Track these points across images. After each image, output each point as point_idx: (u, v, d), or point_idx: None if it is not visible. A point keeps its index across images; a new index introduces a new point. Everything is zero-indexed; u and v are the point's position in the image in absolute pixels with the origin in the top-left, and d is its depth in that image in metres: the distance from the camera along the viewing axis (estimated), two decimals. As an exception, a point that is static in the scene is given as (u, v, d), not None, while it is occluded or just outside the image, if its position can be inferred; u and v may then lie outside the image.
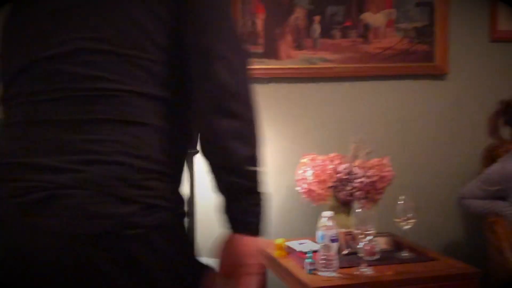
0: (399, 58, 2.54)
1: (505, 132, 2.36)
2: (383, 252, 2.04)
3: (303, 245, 2.12)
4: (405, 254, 2.06)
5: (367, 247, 1.94)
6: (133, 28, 1.04)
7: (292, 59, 2.45)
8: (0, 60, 1.14)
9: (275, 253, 2.10)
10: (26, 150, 1.02)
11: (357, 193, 2.09)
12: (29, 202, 0.98)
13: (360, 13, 2.50)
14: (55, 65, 1.04)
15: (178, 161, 1.10)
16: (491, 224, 2.28)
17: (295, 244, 2.14)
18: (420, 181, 2.61)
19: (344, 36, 2.49)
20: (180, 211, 1.08)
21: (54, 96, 1.03)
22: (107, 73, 1.03)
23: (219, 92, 1.02)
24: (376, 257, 1.98)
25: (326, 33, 2.47)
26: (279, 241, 2.11)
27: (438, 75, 2.61)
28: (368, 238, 1.89)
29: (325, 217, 1.93)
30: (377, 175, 2.13)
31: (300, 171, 2.19)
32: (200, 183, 2.03)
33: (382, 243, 2.09)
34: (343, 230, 2.05)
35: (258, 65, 2.41)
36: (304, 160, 2.21)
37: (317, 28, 2.46)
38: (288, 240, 2.17)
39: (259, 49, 2.41)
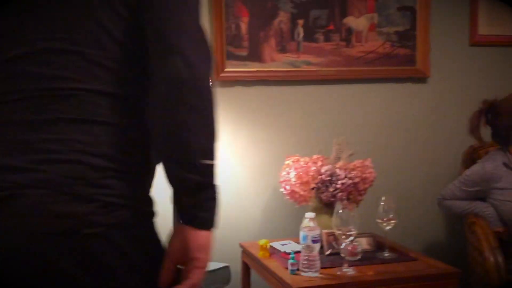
0: (381, 62, 2.58)
1: (484, 132, 2.38)
2: (365, 252, 2.06)
3: (286, 245, 2.14)
4: (386, 254, 2.08)
5: (349, 248, 1.96)
6: (92, 26, 1.03)
7: (275, 62, 2.47)
8: None
9: (259, 254, 2.11)
10: None
11: (340, 194, 2.11)
12: None
13: (342, 17, 2.53)
14: (15, 66, 1.05)
15: (141, 159, 1.09)
16: (470, 224, 2.31)
17: (278, 245, 2.16)
18: (402, 182, 2.65)
19: (327, 39, 2.52)
20: (144, 209, 1.07)
21: (14, 97, 1.04)
22: (66, 72, 1.03)
23: (175, 85, 1.01)
24: (358, 257, 2.00)
25: (309, 36, 2.49)
26: (262, 241, 2.12)
27: (419, 78, 2.65)
28: (350, 238, 1.92)
29: (307, 218, 1.94)
30: (359, 176, 2.15)
31: (284, 173, 2.21)
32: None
33: (364, 243, 2.12)
34: (326, 230, 2.07)
35: (242, 68, 2.43)
36: (288, 161, 2.23)
37: (300, 31, 2.49)
38: (272, 241, 2.19)
39: (243, 52, 2.43)
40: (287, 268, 1.92)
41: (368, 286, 1.89)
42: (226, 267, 2.10)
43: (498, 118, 2.33)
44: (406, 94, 2.66)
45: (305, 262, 1.88)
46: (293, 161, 2.21)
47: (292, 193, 2.17)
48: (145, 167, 1.10)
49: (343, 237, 1.91)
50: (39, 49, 1.04)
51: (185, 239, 1.05)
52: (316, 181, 2.15)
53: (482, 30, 2.71)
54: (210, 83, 1.06)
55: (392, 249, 2.12)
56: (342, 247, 1.94)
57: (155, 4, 1.04)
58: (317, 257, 1.89)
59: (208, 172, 1.05)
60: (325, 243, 2.08)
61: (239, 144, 2.48)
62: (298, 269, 1.90)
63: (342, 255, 1.95)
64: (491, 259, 2.14)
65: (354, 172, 2.15)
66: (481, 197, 2.35)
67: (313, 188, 2.16)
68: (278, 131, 2.51)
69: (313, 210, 2.12)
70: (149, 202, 1.10)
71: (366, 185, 2.19)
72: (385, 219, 2.07)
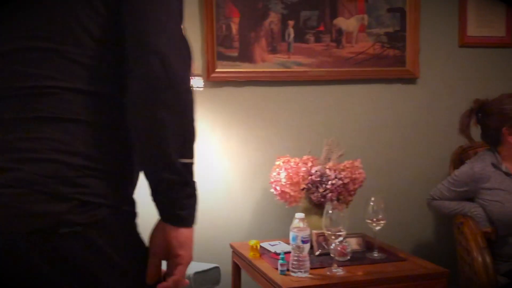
0: (371, 63, 2.59)
1: (474, 132, 2.40)
2: (354, 252, 2.08)
3: (276, 246, 2.15)
4: (375, 254, 2.10)
5: (339, 248, 1.97)
6: (70, 24, 1.03)
7: (266, 63, 2.47)
8: None
9: (249, 254, 2.12)
10: None
11: (330, 194, 2.12)
12: None
13: (333, 18, 2.54)
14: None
15: (121, 158, 1.08)
16: (459, 224, 2.32)
17: (268, 245, 2.17)
18: (391, 183, 2.66)
19: (317, 40, 2.53)
20: (123, 208, 1.06)
21: None
22: (43, 70, 1.03)
23: (152, 85, 1.01)
24: (348, 257, 2.02)
25: (300, 37, 2.50)
26: (253, 242, 2.12)
27: (409, 79, 2.66)
28: (340, 239, 1.93)
29: (297, 218, 1.95)
30: (349, 177, 2.16)
31: (274, 173, 2.22)
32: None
33: (353, 243, 2.13)
34: (316, 231, 2.09)
35: (232, 69, 2.44)
36: (278, 162, 2.24)
37: (291, 32, 2.49)
38: (262, 241, 2.19)
39: (234, 53, 2.43)
40: (277, 268, 1.93)
41: (357, 286, 1.91)
42: (216, 268, 2.10)
43: (488, 119, 2.35)
44: (395, 95, 2.67)
45: (295, 262, 1.89)
46: (283, 162, 2.21)
47: (283, 193, 2.18)
48: (126, 166, 1.09)
49: (333, 237, 1.93)
50: (20, 48, 1.04)
51: (166, 237, 1.06)
52: (306, 181, 2.16)
53: (471, 32, 2.73)
54: (190, 83, 1.06)
55: (381, 249, 2.14)
56: (332, 247, 1.95)
57: (134, 3, 1.03)
58: (307, 258, 1.90)
59: (186, 170, 1.05)
60: (315, 244, 2.09)
61: (230, 144, 2.48)
62: (288, 270, 1.91)
63: (332, 255, 1.96)
64: (479, 259, 2.15)
65: (344, 173, 2.16)
66: (470, 197, 2.36)
67: (303, 189, 2.17)
68: (269, 131, 2.52)
69: (303, 210, 2.13)
70: (129, 201, 1.09)
71: (356, 186, 2.20)
72: (374, 219, 2.09)
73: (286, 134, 2.53)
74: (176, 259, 1.08)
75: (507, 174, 2.30)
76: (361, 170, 2.21)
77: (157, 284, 1.08)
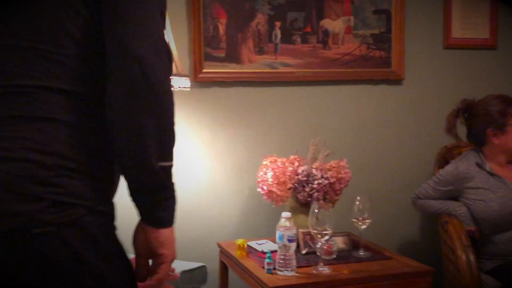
0: (357, 64, 2.62)
1: (461, 132, 2.43)
2: (340, 251, 2.10)
3: (263, 245, 2.16)
4: (361, 253, 2.12)
5: (325, 247, 1.99)
6: (49, 23, 1.03)
7: (253, 64, 2.49)
8: None
9: (236, 253, 2.13)
10: None
11: (316, 194, 2.14)
12: None
13: (319, 19, 2.56)
14: None
15: (97, 158, 1.07)
16: (443, 223, 2.35)
17: (255, 244, 2.17)
18: (377, 182, 2.68)
19: (304, 41, 2.54)
20: (100, 209, 1.04)
21: None
22: (19, 68, 1.02)
23: (132, 91, 1.01)
24: (334, 256, 2.03)
25: (286, 38, 2.52)
26: (240, 241, 2.13)
27: (394, 80, 2.69)
28: (326, 238, 1.94)
29: (283, 217, 1.96)
30: (335, 176, 2.18)
31: (261, 173, 2.23)
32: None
33: (339, 242, 2.15)
34: (303, 230, 2.10)
35: (220, 69, 2.45)
36: (265, 162, 2.25)
37: (278, 33, 2.51)
38: (249, 240, 2.20)
39: (221, 53, 2.44)
40: (263, 267, 1.94)
41: (343, 284, 1.92)
42: (203, 267, 2.11)
43: (474, 119, 2.38)
44: (381, 96, 2.70)
45: (281, 261, 1.90)
46: (270, 162, 2.22)
47: (269, 193, 2.19)
48: (104, 167, 1.09)
49: (319, 236, 1.94)
50: (1, 46, 1.04)
51: (147, 238, 1.08)
52: (293, 181, 2.17)
53: (456, 33, 2.76)
54: (170, 87, 1.06)
55: (367, 248, 2.15)
56: (318, 246, 1.97)
57: (114, 3, 1.03)
58: (293, 256, 1.92)
59: (165, 174, 1.06)
60: (301, 242, 2.11)
61: (217, 144, 2.49)
62: (274, 268, 1.92)
63: (318, 254, 1.97)
64: (463, 257, 2.17)
65: (330, 173, 2.17)
66: (455, 196, 2.39)
67: (290, 188, 2.18)
68: (256, 131, 2.53)
69: (290, 210, 2.14)
70: (106, 202, 1.08)
71: (342, 185, 2.21)
72: (360, 218, 2.11)
73: (273, 134, 2.55)
74: (158, 258, 1.09)
75: (491, 173, 2.32)
76: (347, 170, 2.23)
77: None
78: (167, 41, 1.09)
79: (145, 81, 1.01)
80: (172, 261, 1.11)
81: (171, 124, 1.06)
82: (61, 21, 1.03)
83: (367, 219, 2.11)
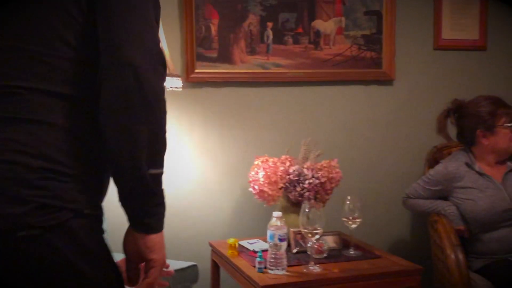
0: (349, 64, 2.63)
1: (451, 131, 2.45)
2: (331, 250, 2.11)
3: (255, 244, 2.17)
4: (351, 252, 2.13)
5: (316, 246, 2.00)
6: (42, 25, 1.02)
7: (245, 64, 2.50)
8: None
9: (228, 252, 2.14)
10: None
11: (307, 193, 2.15)
12: None
13: (311, 20, 2.58)
14: None
15: (87, 162, 1.06)
16: (433, 222, 2.37)
17: (246, 244, 2.18)
18: (367, 182, 2.70)
19: (296, 42, 2.56)
20: (86, 212, 1.03)
21: None
22: (8, 69, 1.02)
23: (126, 98, 1.01)
24: (324, 255, 2.05)
25: (278, 39, 2.53)
26: (231, 240, 2.15)
27: (385, 80, 2.71)
28: (316, 237, 1.96)
29: (274, 217, 1.97)
30: (326, 176, 2.19)
31: (252, 173, 2.24)
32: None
33: (330, 241, 2.16)
34: (294, 229, 2.12)
35: (212, 69, 2.46)
36: (257, 162, 2.26)
37: (270, 34, 2.52)
38: (240, 240, 2.21)
39: (213, 54, 2.45)
40: (254, 266, 1.95)
41: (333, 283, 1.93)
42: (194, 266, 2.12)
43: (464, 120, 2.40)
44: (372, 96, 2.71)
45: (272, 260, 1.91)
46: (262, 161, 2.23)
47: (261, 192, 2.20)
48: (92, 170, 1.08)
49: (310, 235, 1.96)
50: None
51: (136, 243, 1.09)
52: (284, 181, 2.18)
53: (446, 35, 2.79)
54: (163, 95, 1.06)
55: (357, 247, 2.17)
56: (309, 245, 1.98)
57: (109, 10, 1.03)
58: (284, 255, 1.93)
59: (155, 181, 1.06)
60: (292, 242, 2.12)
61: (209, 144, 2.50)
62: (265, 267, 1.93)
63: (309, 253, 1.99)
64: (452, 256, 2.20)
65: (321, 172, 2.19)
66: (444, 196, 2.41)
67: (281, 188, 2.19)
68: (248, 131, 2.54)
69: (281, 209, 2.16)
70: (94, 205, 1.07)
71: (333, 185, 2.23)
72: (350, 217, 2.12)
73: (265, 134, 2.56)
74: (148, 263, 1.10)
75: (480, 173, 2.35)
76: (338, 170, 2.25)
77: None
78: (162, 48, 1.10)
79: (139, 89, 1.01)
80: (162, 265, 1.12)
81: (163, 131, 1.07)
82: (55, 24, 1.02)
83: (358, 218, 2.12)
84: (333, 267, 1.99)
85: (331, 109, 2.66)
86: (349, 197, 2.13)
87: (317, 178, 2.18)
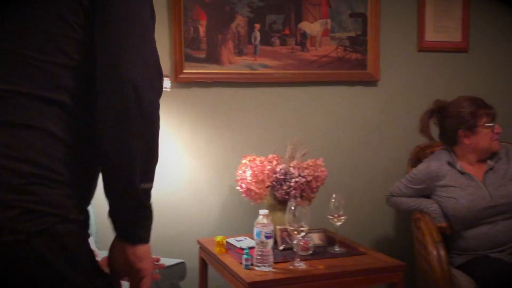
0: (334, 66, 2.67)
1: (434, 131, 2.49)
2: (316, 247, 2.15)
3: (242, 241, 2.20)
4: (337, 249, 2.17)
5: (302, 243, 2.04)
6: (37, 30, 1.02)
7: (233, 65, 2.53)
8: None
9: (215, 250, 2.16)
10: None
11: (293, 192, 2.19)
12: None
13: (298, 22, 2.61)
14: None
15: (75, 168, 1.05)
16: (416, 220, 2.41)
17: (234, 241, 2.21)
18: (352, 180, 2.74)
19: (283, 43, 2.59)
20: (72, 217, 1.02)
21: None
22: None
23: (125, 116, 1.01)
24: (310, 252, 2.08)
25: (266, 40, 2.56)
26: (219, 238, 2.17)
27: (370, 81, 2.75)
28: (302, 234, 1.99)
29: (261, 215, 2.00)
30: (311, 175, 2.22)
31: (240, 172, 2.27)
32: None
33: (315, 238, 2.20)
34: (280, 227, 2.15)
35: (200, 70, 2.48)
36: (244, 161, 2.29)
37: (257, 35, 2.55)
38: (228, 237, 2.24)
39: (202, 54, 2.48)
40: (241, 263, 1.98)
41: (318, 279, 1.97)
42: (182, 263, 2.14)
43: (446, 120, 2.45)
44: (357, 97, 2.75)
45: (259, 257, 1.94)
46: (249, 160, 2.25)
47: (248, 191, 2.22)
48: (81, 176, 1.07)
49: (296, 232, 1.98)
50: None
51: (125, 254, 1.09)
52: (271, 179, 2.21)
53: (429, 37, 2.83)
54: (158, 110, 1.08)
55: (342, 244, 2.21)
56: (295, 242, 2.02)
57: (108, 23, 1.03)
58: (270, 252, 1.95)
59: (147, 195, 1.08)
60: (279, 239, 2.15)
61: (197, 143, 2.52)
62: (252, 264, 1.96)
63: (295, 250, 2.02)
64: (434, 252, 2.24)
65: (307, 171, 2.22)
66: (427, 194, 2.45)
67: (268, 186, 2.22)
68: (235, 131, 2.57)
69: (268, 207, 2.19)
70: (80, 211, 1.06)
71: (318, 183, 2.26)
72: (336, 215, 2.16)
73: (252, 133, 2.59)
74: (139, 273, 1.11)
75: (461, 172, 2.39)
76: (323, 169, 2.28)
77: None
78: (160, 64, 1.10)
79: (137, 105, 1.01)
80: (151, 274, 1.13)
81: (157, 147, 1.08)
82: (50, 30, 1.02)
83: (342, 216, 2.16)
84: (318, 264, 2.03)
85: (317, 109, 2.69)
86: (334, 195, 2.17)
87: (303, 176, 2.21)
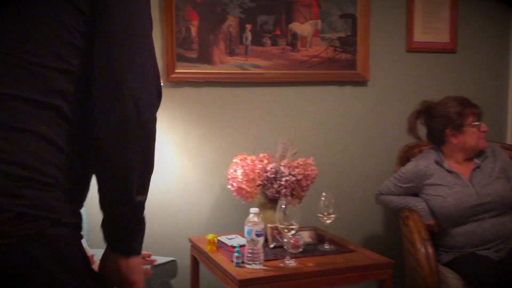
0: (325, 66, 2.70)
1: (421, 131, 2.52)
2: (306, 245, 2.17)
3: (233, 239, 2.21)
4: (326, 246, 2.20)
5: (292, 241, 2.07)
6: (31, 32, 1.01)
7: (224, 65, 2.55)
8: None
9: (207, 248, 2.18)
10: None
11: (284, 190, 2.20)
12: None
13: (288, 23, 2.63)
14: None
15: (67, 171, 1.04)
16: (404, 218, 2.44)
17: (225, 239, 2.23)
18: (342, 179, 2.77)
19: (274, 44, 2.62)
20: (64, 220, 1.02)
21: None
22: None
23: (124, 128, 1.02)
24: (300, 249, 2.11)
25: (257, 40, 2.58)
26: (210, 236, 2.19)
27: (360, 81, 2.77)
28: (293, 232, 2.01)
29: (252, 213, 2.02)
30: (302, 173, 2.24)
31: (231, 170, 2.28)
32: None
33: (306, 236, 2.22)
34: (271, 225, 2.17)
35: (192, 70, 2.50)
36: (235, 160, 2.30)
37: (248, 35, 2.57)
38: (219, 235, 2.25)
39: (193, 54, 2.49)
40: (232, 261, 2.00)
41: (308, 276, 1.99)
42: (173, 261, 2.15)
43: (433, 120, 2.47)
44: (347, 97, 2.78)
45: (250, 255, 1.96)
46: (240, 159, 2.27)
47: (239, 189, 2.24)
48: (73, 180, 1.05)
49: (286, 230, 2.00)
50: None
51: (117, 266, 1.10)
52: (262, 178, 2.22)
53: (418, 37, 2.87)
54: (156, 124, 1.08)
55: (332, 241, 2.23)
56: (285, 240, 2.04)
57: (111, 35, 1.02)
58: (261, 250, 1.98)
59: (141, 207, 1.09)
60: (269, 237, 2.17)
61: (189, 143, 2.53)
62: (243, 262, 1.98)
63: (285, 247, 2.04)
64: (422, 250, 2.27)
65: (297, 170, 2.24)
66: (415, 192, 2.48)
67: (259, 185, 2.23)
68: (227, 130, 2.58)
69: (259, 206, 2.21)
70: (73, 214, 1.06)
71: (309, 182, 2.28)
72: (326, 213, 2.18)
73: (243, 133, 2.61)
74: (132, 286, 1.11)
75: (448, 171, 2.42)
76: (313, 167, 2.30)
77: None
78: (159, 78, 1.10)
79: (137, 119, 1.02)
80: (143, 286, 1.14)
81: (153, 160, 1.09)
82: (47, 34, 1.01)
83: (332, 214, 2.18)
84: (308, 261, 2.05)
85: (307, 109, 2.71)
86: (324, 194, 2.19)
87: (294, 175, 2.22)
